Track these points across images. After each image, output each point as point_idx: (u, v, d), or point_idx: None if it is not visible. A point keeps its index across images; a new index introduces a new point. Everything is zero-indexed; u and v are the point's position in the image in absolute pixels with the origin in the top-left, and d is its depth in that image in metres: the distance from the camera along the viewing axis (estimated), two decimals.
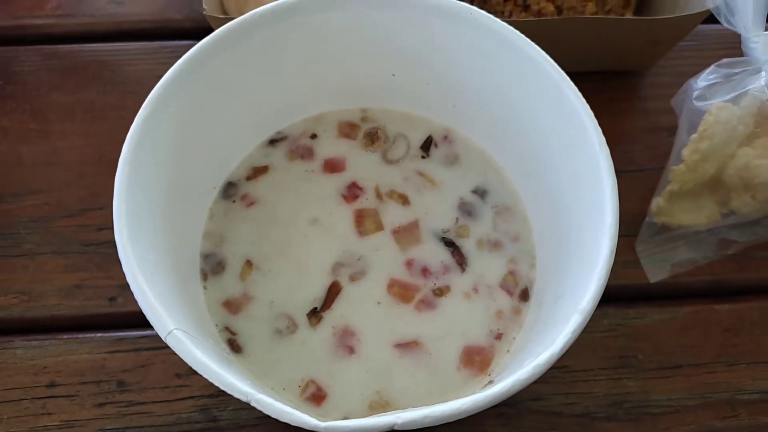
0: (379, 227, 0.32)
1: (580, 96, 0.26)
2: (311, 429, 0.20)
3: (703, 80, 0.34)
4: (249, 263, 0.30)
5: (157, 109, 0.26)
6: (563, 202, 0.28)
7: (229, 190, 0.32)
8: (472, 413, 0.21)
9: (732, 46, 0.43)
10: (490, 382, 0.25)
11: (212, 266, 0.30)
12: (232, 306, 0.29)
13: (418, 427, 0.21)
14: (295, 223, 0.31)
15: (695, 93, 0.34)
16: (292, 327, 0.29)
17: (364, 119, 0.34)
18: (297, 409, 0.21)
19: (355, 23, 0.30)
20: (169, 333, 0.21)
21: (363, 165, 0.33)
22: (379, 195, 0.32)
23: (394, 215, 0.32)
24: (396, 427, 0.20)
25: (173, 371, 0.33)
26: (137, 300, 0.22)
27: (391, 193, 0.32)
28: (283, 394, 0.28)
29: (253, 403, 0.21)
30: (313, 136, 0.34)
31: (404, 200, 0.32)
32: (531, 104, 0.29)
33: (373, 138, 0.33)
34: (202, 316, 0.29)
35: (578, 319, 0.22)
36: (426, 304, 0.30)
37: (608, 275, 0.23)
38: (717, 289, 0.36)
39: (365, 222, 0.32)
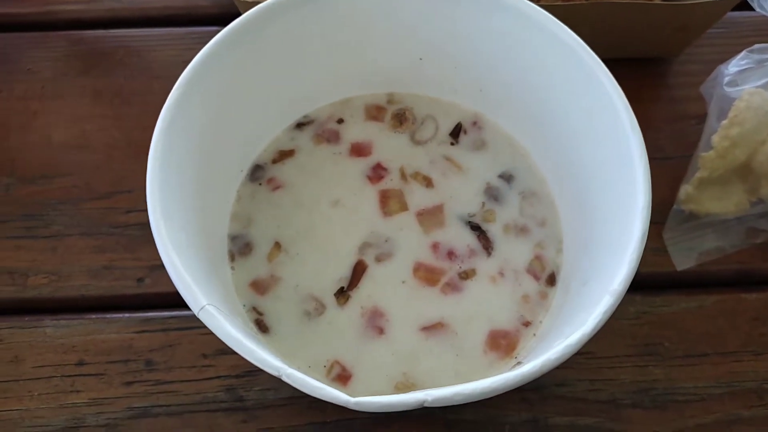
0: (404, 207, 0.32)
1: (612, 79, 0.26)
2: (341, 404, 0.21)
3: (734, 66, 0.34)
4: (278, 245, 0.30)
5: (188, 91, 0.26)
6: (592, 187, 0.28)
7: (256, 172, 0.33)
8: (502, 392, 0.21)
9: (762, 33, 0.43)
10: (519, 363, 0.25)
11: (240, 247, 0.31)
12: (259, 287, 0.30)
13: (448, 404, 0.21)
14: (320, 206, 0.32)
15: (726, 79, 0.33)
16: (320, 308, 0.29)
17: (390, 102, 0.34)
18: None
19: (381, 6, 0.30)
20: (201, 308, 0.22)
21: (389, 147, 0.33)
22: (403, 176, 0.33)
23: (418, 197, 0.32)
24: (426, 404, 0.20)
25: (200, 351, 0.33)
26: (170, 275, 0.22)
27: (416, 175, 0.33)
28: (308, 373, 0.28)
29: (284, 378, 0.21)
30: (340, 121, 0.34)
31: (428, 182, 0.32)
32: (561, 88, 0.29)
33: (401, 119, 0.33)
34: (230, 296, 0.29)
35: (609, 301, 0.22)
36: (452, 287, 0.30)
37: (640, 258, 0.23)
38: (744, 278, 0.36)
39: (390, 202, 0.32)
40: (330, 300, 0.29)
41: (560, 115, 0.30)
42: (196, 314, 0.22)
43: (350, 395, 0.27)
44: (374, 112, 0.34)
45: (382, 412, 0.21)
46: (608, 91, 0.26)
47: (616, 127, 0.25)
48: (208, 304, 0.22)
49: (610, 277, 0.23)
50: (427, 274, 0.30)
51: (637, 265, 0.23)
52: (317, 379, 0.27)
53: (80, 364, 0.33)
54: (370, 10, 0.30)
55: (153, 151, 0.24)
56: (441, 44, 0.31)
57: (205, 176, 0.28)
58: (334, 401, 0.21)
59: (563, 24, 0.28)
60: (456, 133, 0.34)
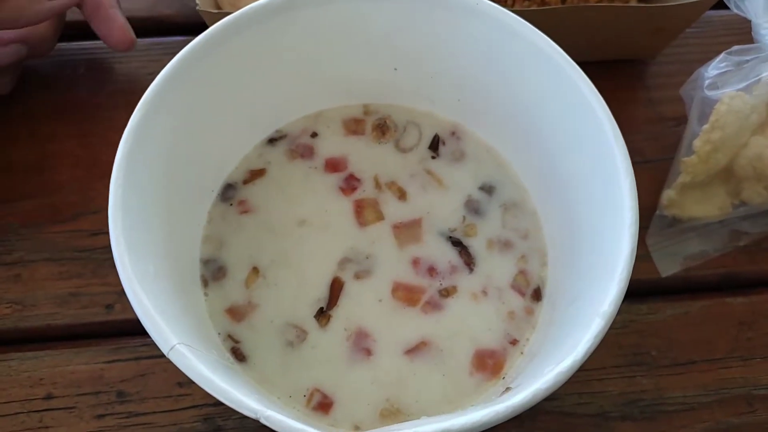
0: (380, 217, 0.31)
1: (593, 89, 0.25)
2: None
3: (714, 68, 0.33)
4: (255, 270, 0.29)
5: (151, 111, 0.24)
6: (576, 199, 0.27)
7: (227, 192, 0.31)
8: (492, 425, 0.20)
9: (739, 32, 0.42)
10: (508, 388, 0.24)
11: (213, 272, 0.29)
12: (235, 314, 0.28)
13: None
14: (293, 227, 0.30)
15: (706, 82, 0.33)
16: (302, 335, 0.28)
17: (367, 113, 0.33)
18: (306, 421, 0.20)
19: (353, 17, 0.29)
20: (171, 348, 0.20)
21: (367, 158, 0.32)
22: (378, 185, 0.32)
23: (393, 207, 0.31)
24: None
25: (174, 380, 0.32)
26: (137, 314, 0.21)
27: (391, 185, 0.32)
28: (288, 402, 0.27)
29: (262, 420, 0.20)
30: (314, 135, 0.33)
31: (402, 194, 0.31)
32: (541, 97, 0.28)
33: (383, 129, 0.32)
34: (204, 324, 0.28)
35: (600, 324, 0.21)
36: (432, 306, 0.29)
37: (629, 277, 0.22)
38: (730, 282, 0.36)
39: (365, 212, 0.31)
40: (311, 324, 0.28)
41: (541, 124, 0.29)
42: (165, 354, 0.21)
43: (334, 424, 0.27)
44: (353, 126, 0.32)
45: None
46: (590, 102, 0.25)
47: (599, 138, 0.25)
48: (179, 343, 0.20)
49: (599, 298, 0.22)
50: (406, 294, 0.29)
51: (627, 284, 0.22)
52: (298, 408, 0.27)
53: (48, 397, 0.31)
54: (342, 21, 0.29)
55: (115, 179, 0.23)
56: (416, 54, 0.30)
57: (174, 198, 0.27)
58: None
59: (540, 31, 0.27)
60: (435, 145, 0.33)
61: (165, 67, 0.25)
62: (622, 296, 0.22)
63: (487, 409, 0.20)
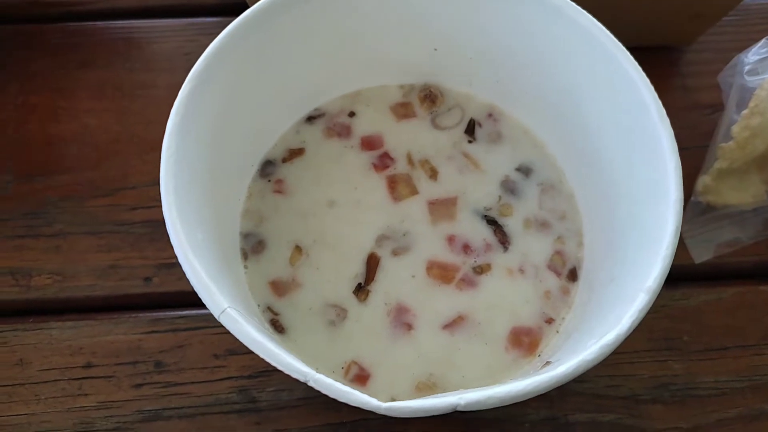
0: (414, 191, 0.31)
1: (638, 68, 0.25)
2: (371, 409, 0.20)
3: (754, 54, 0.33)
4: (299, 249, 0.29)
5: (200, 84, 0.25)
6: (616, 179, 0.27)
7: (266, 168, 0.32)
8: (536, 394, 0.20)
9: None
10: (548, 362, 0.24)
11: (252, 245, 0.30)
12: (279, 287, 0.29)
13: (481, 408, 0.20)
14: (328, 207, 0.31)
15: (746, 68, 0.33)
16: (342, 313, 0.28)
17: (405, 95, 0.33)
18: None
19: None
20: (222, 311, 0.21)
21: (402, 136, 0.32)
22: (411, 162, 0.32)
23: (426, 185, 0.31)
24: (459, 408, 0.20)
25: (211, 352, 0.32)
26: (189, 278, 0.22)
27: (424, 163, 0.32)
28: (326, 373, 0.27)
29: (311, 383, 0.20)
30: (351, 114, 0.33)
31: (433, 173, 0.32)
32: (583, 78, 0.28)
33: (432, 98, 0.32)
34: (245, 296, 0.28)
35: (645, 299, 0.21)
36: (467, 283, 0.30)
37: (673, 255, 0.22)
38: (763, 269, 0.35)
39: (398, 187, 0.31)
40: (350, 300, 0.28)
41: (581, 106, 0.29)
42: (217, 318, 0.21)
43: (372, 396, 0.27)
44: (401, 110, 0.33)
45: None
46: (635, 82, 0.25)
47: (644, 119, 0.25)
48: (229, 307, 0.21)
49: (643, 274, 0.22)
50: (440, 272, 0.30)
51: (671, 262, 0.22)
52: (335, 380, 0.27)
53: (88, 366, 0.32)
54: (384, 0, 0.29)
55: (166, 148, 0.23)
56: (457, 35, 0.31)
57: (217, 172, 0.27)
58: (363, 406, 0.20)
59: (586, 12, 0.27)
60: (471, 129, 0.33)
61: (214, 41, 0.26)
62: (666, 272, 0.22)
63: (530, 379, 0.20)
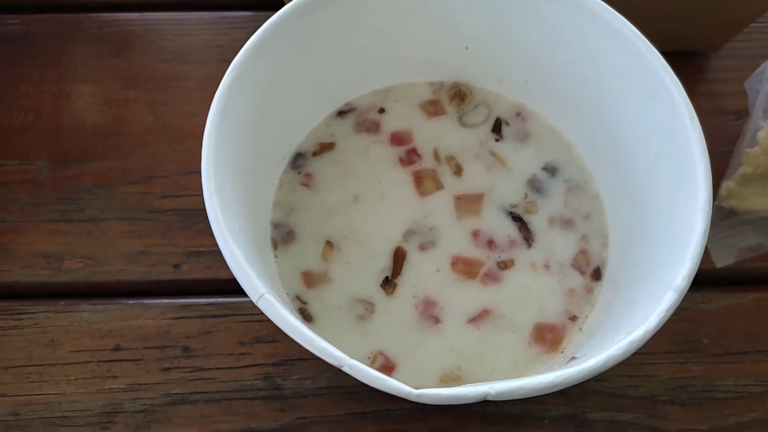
0: (439, 186, 0.32)
1: (671, 72, 0.26)
2: (402, 396, 0.20)
3: None
4: (330, 244, 0.30)
5: (241, 75, 0.26)
6: (643, 181, 0.28)
7: (297, 160, 0.32)
8: (564, 387, 0.21)
9: None
10: (573, 358, 0.25)
11: (282, 236, 0.30)
12: (310, 279, 0.29)
13: (511, 398, 0.20)
14: (355, 202, 0.31)
15: None
16: (370, 308, 0.29)
17: (434, 92, 0.34)
18: None
19: None
20: (260, 296, 0.21)
21: (430, 132, 0.33)
22: (437, 157, 0.32)
23: (451, 181, 0.32)
24: (489, 398, 0.20)
25: (237, 339, 0.33)
26: (228, 263, 0.22)
27: (449, 159, 0.32)
28: None
29: (345, 368, 0.21)
30: (381, 111, 0.34)
31: (458, 170, 0.32)
32: (613, 79, 0.28)
33: (461, 96, 0.32)
34: (275, 284, 0.29)
35: (673, 297, 0.22)
36: (491, 278, 0.30)
37: (701, 255, 0.23)
38: None
39: (424, 182, 0.32)
40: (378, 295, 0.29)
41: (610, 107, 0.29)
42: (255, 302, 0.22)
43: None
44: (431, 108, 0.33)
45: (438, 405, 0.21)
46: (666, 84, 0.25)
47: (674, 121, 0.25)
48: (267, 293, 0.21)
49: (671, 274, 0.22)
50: (465, 267, 0.30)
51: (699, 262, 0.23)
52: None
53: (117, 349, 0.33)
54: None
55: (207, 137, 0.24)
56: (488, 33, 0.31)
57: (252, 162, 0.28)
58: (395, 393, 0.20)
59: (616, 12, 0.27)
60: (498, 128, 0.33)
61: (254, 34, 0.26)
62: (695, 272, 0.22)
63: (559, 371, 0.20)
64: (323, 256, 0.30)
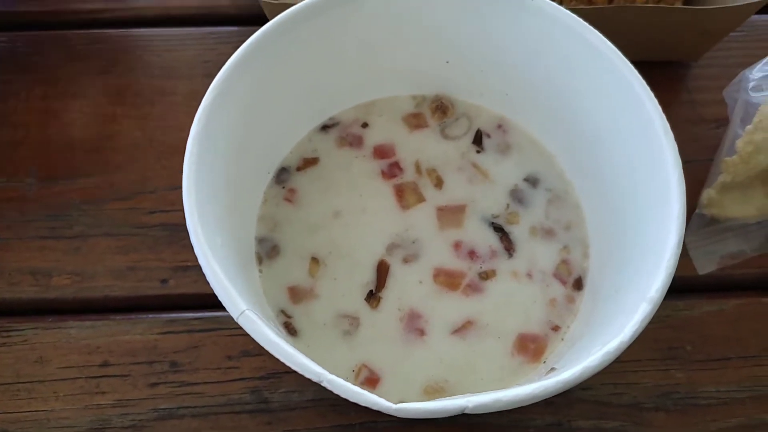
0: (420, 199, 0.32)
1: (644, 84, 0.26)
2: (381, 410, 0.21)
3: (759, 71, 0.34)
4: (315, 260, 0.30)
5: (222, 92, 0.26)
6: (621, 192, 0.28)
7: (281, 175, 0.33)
8: (542, 398, 0.21)
9: None
10: (552, 369, 0.25)
11: (267, 250, 0.31)
12: (296, 294, 0.30)
13: (488, 411, 0.21)
14: (336, 217, 0.32)
15: (751, 84, 0.34)
16: (356, 322, 0.29)
17: (417, 105, 0.34)
18: None
19: (412, 9, 0.30)
20: (241, 313, 0.22)
21: (412, 145, 0.33)
22: (418, 170, 0.33)
23: (431, 193, 0.32)
24: (467, 411, 0.20)
25: (224, 353, 0.33)
26: (209, 280, 0.23)
27: (431, 172, 0.33)
28: (336, 376, 0.28)
29: (324, 383, 0.21)
30: (365, 125, 0.34)
31: (438, 182, 0.32)
32: (590, 92, 0.29)
33: (443, 109, 0.33)
34: (259, 299, 0.29)
35: (647, 308, 0.22)
36: (473, 288, 0.30)
37: (675, 266, 0.23)
38: (765, 282, 0.36)
39: (405, 195, 0.32)
40: (363, 309, 0.29)
41: (588, 119, 0.30)
42: (235, 319, 0.22)
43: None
44: (414, 121, 0.34)
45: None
46: (640, 96, 0.26)
47: (647, 132, 0.26)
48: (247, 309, 0.22)
49: (645, 284, 0.23)
50: (447, 279, 0.31)
51: (674, 272, 0.23)
52: None
53: (105, 365, 0.33)
54: (401, 13, 0.30)
55: (189, 154, 0.24)
56: (469, 47, 0.31)
57: (235, 178, 0.28)
58: (374, 407, 0.21)
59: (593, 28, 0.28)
60: (478, 140, 0.34)
61: (236, 52, 0.27)
62: (669, 283, 0.23)
63: (537, 383, 0.21)
64: (310, 272, 0.30)
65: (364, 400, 0.20)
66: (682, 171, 0.24)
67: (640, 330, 0.22)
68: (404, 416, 0.20)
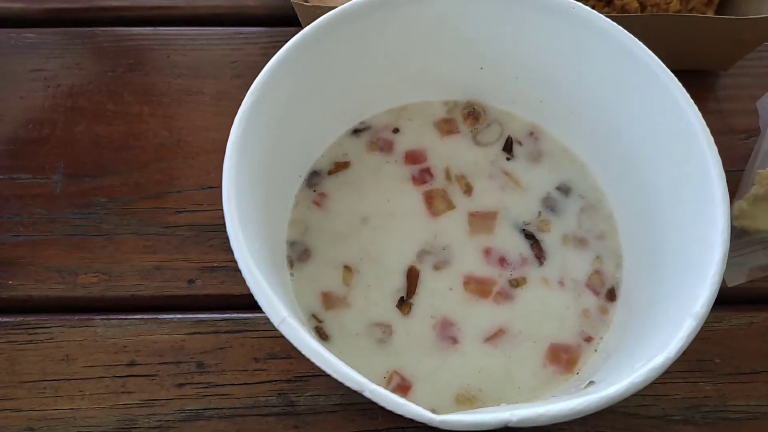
0: (450, 206, 0.32)
1: (687, 95, 0.26)
2: (424, 422, 0.20)
3: None
4: (348, 268, 0.30)
5: (262, 96, 0.26)
6: (658, 203, 0.28)
7: (313, 179, 0.32)
8: (586, 413, 0.21)
9: None
10: (591, 382, 0.25)
11: (298, 254, 0.31)
12: (329, 301, 0.29)
13: (531, 425, 0.21)
14: (367, 222, 0.31)
15: None
16: (388, 330, 0.29)
17: (449, 111, 0.34)
18: None
19: (448, 14, 0.30)
20: (282, 320, 0.21)
21: (444, 151, 0.33)
22: (448, 177, 0.32)
23: (462, 200, 0.32)
24: (510, 425, 0.20)
25: (251, 355, 0.33)
26: (250, 287, 0.22)
27: (460, 178, 0.32)
28: None
29: (366, 393, 0.21)
30: (396, 131, 0.34)
31: (468, 189, 0.32)
32: (629, 102, 0.28)
33: (475, 115, 0.33)
34: (291, 303, 0.29)
35: (692, 324, 0.22)
36: (504, 296, 0.30)
37: (720, 281, 0.23)
38: None
39: (435, 202, 0.32)
40: (395, 316, 0.29)
41: (625, 129, 0.29)
42: (276, 326, 0.22)
43: None
44: (446, 126, 0.33)
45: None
46: (684, 109, 0.26)
47: (691, 144, 0.25)
48: (288, 317, 0.22)
49: (690, 300, 0.22)
50: (477, 287, 0.30)
51: (718, 288, 0.23)
52: None
53: (131, 364, 0.33)
54: (436, 19, 0.30)
55: (229, 158, 0.24)
56: (504, 54, 0.31)
57: (269, 181, 0.28)
58: (417, 419, 0.20)
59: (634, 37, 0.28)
60: (509, 147, 0.33)
61: (274, 56, 0.27)
62: (714, 298, 0.23)
63: (581, 398, 0.20)
64: (344, 281, 0.30)
65: (407, 411, 0.20)
66: (726, 185, 0.24)
67: (686, 346, 0.22)
68: (447, 428, 0.20)
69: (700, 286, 0.22)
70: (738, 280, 0.36)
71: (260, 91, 0.25)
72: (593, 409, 0.20)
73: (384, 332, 0.29)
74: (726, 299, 0.36)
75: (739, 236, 0.36)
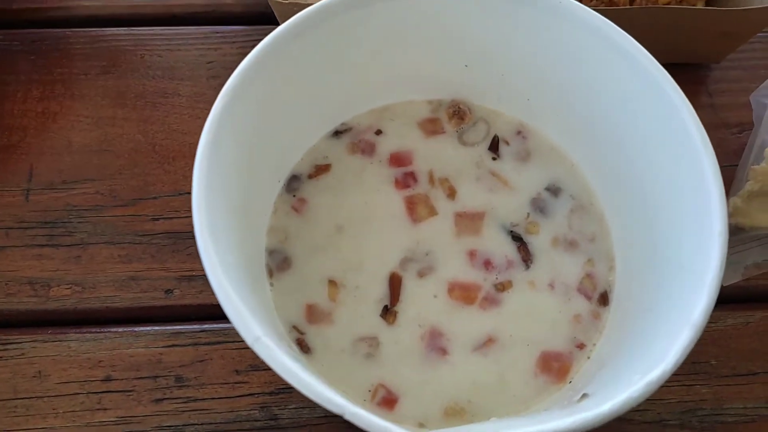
0: (432, 212, 0.31)
1: (680, 93, 0.25)
2: None
3: None
4: (333, 283, 0.29)
5: (234, 99, 0.24)
6: (651, 204, 0.27)
7: (292, 183, 0.31)
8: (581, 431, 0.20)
9: None
10: (585, 395, 0.24)
11: (278, 263, 0.29)
12: (313, 315, 0.28)
13: None
14: (348, 227, 0.30)
15: None
16: (375, 343, 0.28)
17: (433, 110, 0.33)
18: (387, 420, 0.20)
19: (431, 10, 0.29)
20: (256, 339, 0.20)
21: (429, 153, 0.32)
22: (431, 180, 0.31)
23: (444, 204, 0.31)
24: None
25: (232, 367, 0.32)
26: (223, 306, 0.21)
27: (443, 181, 0.31)
28: (352, 396, 0.27)
29: (347, 416, 0.19)
30: (378, 132, 0.32)
31: (451, 191, 0.31)
32: (620, 100, 0.27)
33: (460, 115, 0.31)
34: (270, 314, 0.28)
35: (689, 334, 0.21)
36: (489, 301, 0.29)
37: (719, 287, 0.22)
38: None
39: (417, 208, 0.31)
40: (380, 327, 0.28)
41: (616, 127, 0.28)
42: (250, 345, 0.21)
43: (400, 420, 0.26)
44: (430, 126, 0.32)
45: None
46: (677, 106, 0.25)
47: (685, 144, 0.24)
48: (263, 335, 0.20)
49: (687, 307, 0.21)
50: (462, 293, 0.29)
51: (717, 295, 0.22)
52: (362, 404, 0.27)
53: (107, 380, 0.32)
54: (418, 16, 0.29)
55: (198, 169, 0.23)
56: (489, 51, 0.30)
57: (245, 188, 0.27)
58: None
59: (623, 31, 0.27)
60: (495, 146, 0.32)
61: (246, 57, 0.25)
62: (712, 306, 0.21)
63: (575, 416, 0.19)
64: (330, 296, 0.28)
65: None
66: (723, 187, 0.23)
67: (684, 357, 0.21)
68: None
69: (698, 292, 0.21)
70: (733, 278, 0.35)
71: (232, 93, 0.24)
72: (588, 426, 0.19)
73: (371, 346, 0.28)
74: (721, 298, 0.34)
75: (734, 233, 0.35)
